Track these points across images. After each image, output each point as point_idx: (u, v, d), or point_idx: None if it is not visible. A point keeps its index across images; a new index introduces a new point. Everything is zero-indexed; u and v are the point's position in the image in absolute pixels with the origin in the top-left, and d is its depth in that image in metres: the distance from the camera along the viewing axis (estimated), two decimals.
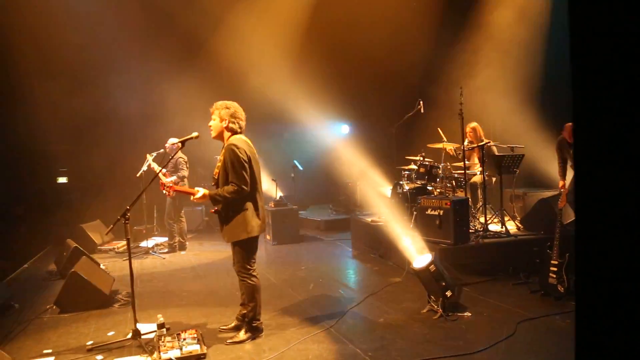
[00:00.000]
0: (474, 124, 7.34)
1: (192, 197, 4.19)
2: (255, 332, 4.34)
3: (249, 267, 4.27)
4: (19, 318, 5.14)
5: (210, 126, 4.30)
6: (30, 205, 9.71)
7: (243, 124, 4.32)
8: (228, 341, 4.26)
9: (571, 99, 1.48)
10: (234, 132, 4.26)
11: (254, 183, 4.23)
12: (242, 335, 4.30)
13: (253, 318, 4.32)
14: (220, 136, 4.31)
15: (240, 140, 4.21)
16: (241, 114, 4.31)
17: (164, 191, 4.45)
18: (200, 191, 4.15)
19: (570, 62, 1.48)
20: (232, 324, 4.58)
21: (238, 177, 4.05)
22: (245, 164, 4.11)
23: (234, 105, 4.30)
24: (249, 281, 4.27)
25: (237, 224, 4.15)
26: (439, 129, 7.44)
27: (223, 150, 4.21)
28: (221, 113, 4.23)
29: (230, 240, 4.22)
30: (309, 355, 3.96)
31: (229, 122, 4.23)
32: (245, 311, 4.39)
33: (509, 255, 6.09)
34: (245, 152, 4.16)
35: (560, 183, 6.30)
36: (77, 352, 4.21)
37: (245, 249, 4.24)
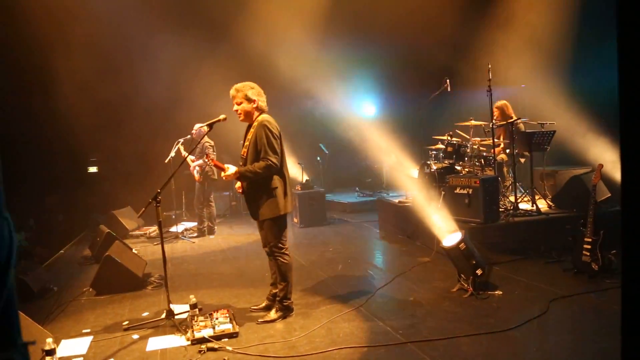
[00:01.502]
0: (499, 103, 7.18)
1: (222, 174, 4.19)
2: (286, 311, 4.38)
3: (281, 245, 4.29)
4: (59, 300, 5.32)
5: (237, 110, 4.23)
6: (63, 194, 10.00)
7: (264, 100, 4.33)
8: (259, 320, 4.32)
9: (617, 83, 1.41)
10: (260, 111, 4.27)
11: (283, 161, 4.25)
12: (273, 314, 4.35)
13: (284, 297, 4.36)
14: (249, 117, 4.26)
15: (271, 118, 4.25)
16: (261, 91, 4.31)
17: (207, 160, 4.44)
18: (231, 168, 4.13)
19: (618, 52, 1.39)
20: (263, 304, 4.64)
21: (271, 151, 4.05)
22: (278, 140, 4.15)
23: (255, 84, 4.29)
24: (282, 260, 4.29)
25: (269, 202, 4.15)
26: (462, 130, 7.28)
27: (252, 129, 4.20)
28: (248, 94, 4.19)
29: (263, 217, 4.20)
30: (340, 333, 3.99)
31: (258, 102, 4.23)
32: (276, 291, 4.44)
33: (540, 233, 5.99)
34: (277, 128, 4.20)
35: None
36: (114, 331, 4.34)
37: (277, 227, 4.25)
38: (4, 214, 0.88)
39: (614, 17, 1.39)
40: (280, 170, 4.20)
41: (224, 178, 4.23)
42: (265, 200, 4.16)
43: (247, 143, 4.24)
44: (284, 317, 4.36)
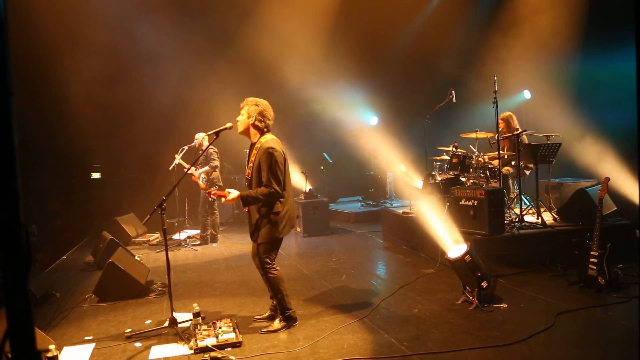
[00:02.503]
0: (504, 114, 7.15)
1: (223, 200, 4.14)
2: (289, 321, 4.35)
3: (269, 261, 4.27)
4: (61, 306, 5.29)
5: (238, 120, 4.28)
6: (65, 200, 9.99)
7: (270, 123, 4.29)
8: (263, 330, 4.29)
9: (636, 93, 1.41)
10: (260, 131, 4.26)
11: (287, 184, 4.25)
12: (276, 324, 4.33)
13: (285, 308, 4.34)
14: (246, 132, 4.29)
15: (275, 142, 4.21)
16: (270, 113, 4.28)
17: (210, 198, 4.40)
18: (233, 193, 4.10)
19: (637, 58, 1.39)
20: (266, 314, 4.62)
21: (274, 179, 4.06)
22: (282, 167, 4.13)
23: (264, 104, 4.27)
24: (270, 274, 4.27)
25: (269, 225, 4.15)
26: (476, 133, 7.20)
27: (255, 151, 4.19)
28: (250, 110, 4.22)
29: (261, 241, 4.20)
30: (343, 344, 3.95)
31: (255, 120, 4.21)
32: (276, 303, 4.43)
33: (545, 246, 5.95)
34: (282, 154, 4.18)
35: None
36: (116, 339, 4.31)
37: (271, 247, 4.26)
38: (21, 222, 0.87)
39: (633, 21, 1.38)
40: (283, 194, 4.19)
41: (223, 202, 4.17)
42: (265, 224, 4.16)
43: (250, 164, 4.23)
44: (287, 327, 4.33)
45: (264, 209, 4.15)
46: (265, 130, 4.26)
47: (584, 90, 7.98)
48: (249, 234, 4.36)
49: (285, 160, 4.23)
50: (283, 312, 4.34)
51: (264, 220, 4.15)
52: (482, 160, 6.85)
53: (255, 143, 4.24)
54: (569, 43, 7.99)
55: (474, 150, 7.00)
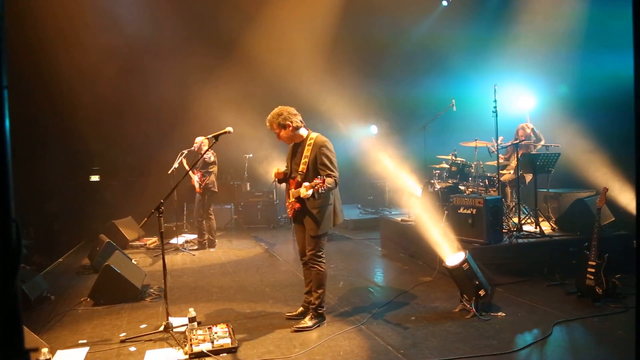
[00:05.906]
0: (521, 124, 7.23)
1: (302, 195, 4.14)
2: (321, 318, 4.47)
3: (321, 254, 4.42)
4: (55, 309, 5.25)
5: (282, 138, 4.44)
6: (63, 202, 9.96)
7: (299, 117, 4.42)
8: (295, 327, 4.38)
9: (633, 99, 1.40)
10: (297, 129, 4.38)
11: None
12: (308, 321, 4.43)
13: (319, 305, 4.46)
14: (293, 139, 4.46)
15: (326, 138, 4.43)
16: (290, 110, 4.42)
17: (288, 210, 4.47)
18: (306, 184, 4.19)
19: (634, 60, 1.39)
20: (299, 310, 4.70)
21: (335, 169, 4.30)
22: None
23: (279, 110, 4.40)
24: (320, 268, 4.43)
25: (326, 217, 4.33)
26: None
27: (308, 147, 4.34)
28: (280, 122, 4.34)
29: (321, 232, 4.34)
30: (339, 351, 3.93)
31: (293, 124, 4.35)
32: (311, 298, 4.53)
33: (543, 255, 5.94)
34: (333, 147, 4.41)
35: None
36: (111, 343, 4.28)
37: (323, 239, 4.43)
38: (13, 217, 0.86)
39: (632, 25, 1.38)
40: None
41: (302, 196, 4.15)
42: (322, 214, 4.31)
43: (304, 160, 4.33)
44: (319, 324, 4.44)
45: (319, 201, 4.28)
46: (302, 125, 4.43)
47: (583, 96, 7.93)
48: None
49: None
50: (317, 308, 4.46)
51: (321, 212, 4.31)
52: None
53: (304, 140, 4.41)
54: (569, 45, 7.98)
55: (493, 148, 7.06)
